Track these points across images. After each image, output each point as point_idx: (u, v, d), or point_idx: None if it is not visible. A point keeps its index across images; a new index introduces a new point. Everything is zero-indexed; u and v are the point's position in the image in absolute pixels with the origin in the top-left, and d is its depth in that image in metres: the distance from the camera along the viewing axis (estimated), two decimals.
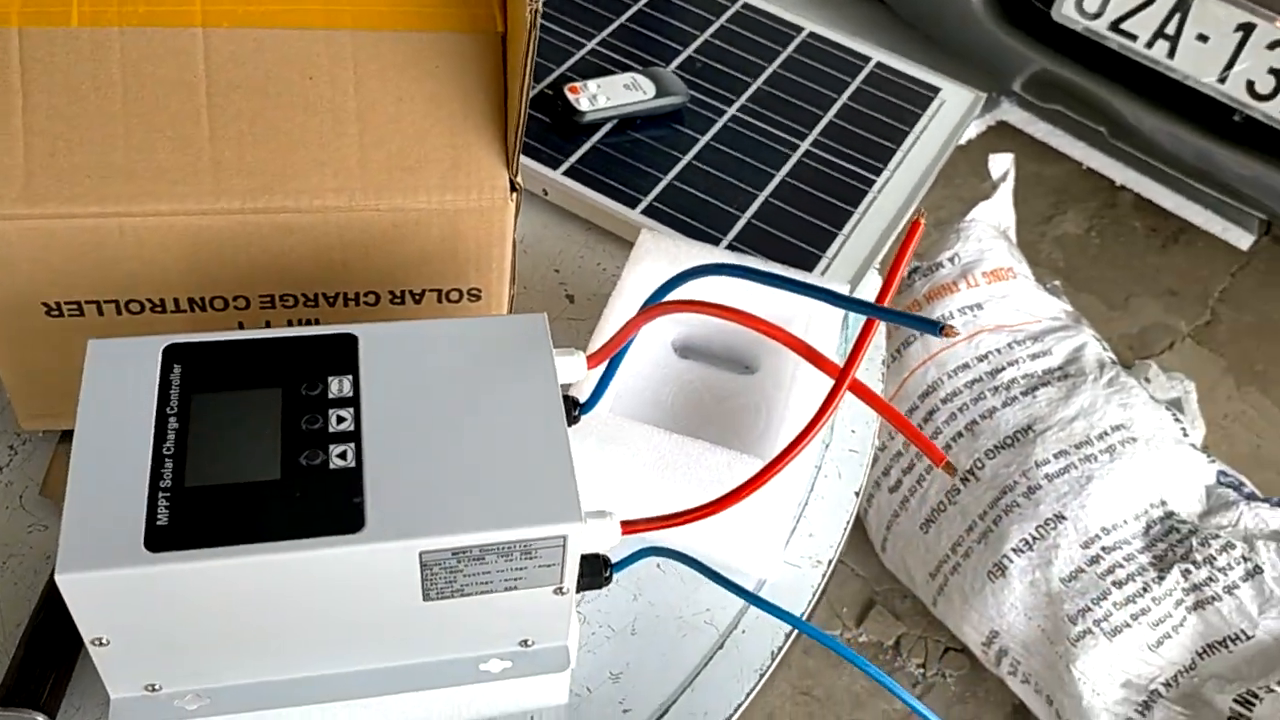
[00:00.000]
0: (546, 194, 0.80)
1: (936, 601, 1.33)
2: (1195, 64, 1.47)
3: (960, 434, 1.30)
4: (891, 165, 0.86)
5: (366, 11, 0.55)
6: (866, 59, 0.94)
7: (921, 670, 1.41)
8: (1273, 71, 1.44)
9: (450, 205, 0.56)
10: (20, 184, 0.51)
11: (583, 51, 0.89)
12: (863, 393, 0.47)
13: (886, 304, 0.45)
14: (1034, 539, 1.22)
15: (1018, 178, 1.53)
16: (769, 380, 0.70)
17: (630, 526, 0.48)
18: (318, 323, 0.60)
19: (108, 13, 0.53)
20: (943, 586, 1.30)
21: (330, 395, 0.47)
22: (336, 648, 0.48)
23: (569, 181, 0.79)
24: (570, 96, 0.82)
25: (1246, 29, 1.45)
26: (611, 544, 0.48)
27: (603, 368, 0.54)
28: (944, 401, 1.32)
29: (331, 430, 0.46)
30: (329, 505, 0.44)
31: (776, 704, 1.37)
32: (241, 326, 0.59)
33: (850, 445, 0.71)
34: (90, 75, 0.52)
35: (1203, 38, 1.45)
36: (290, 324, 0.60)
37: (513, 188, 0.56)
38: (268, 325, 0.60)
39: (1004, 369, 1.31)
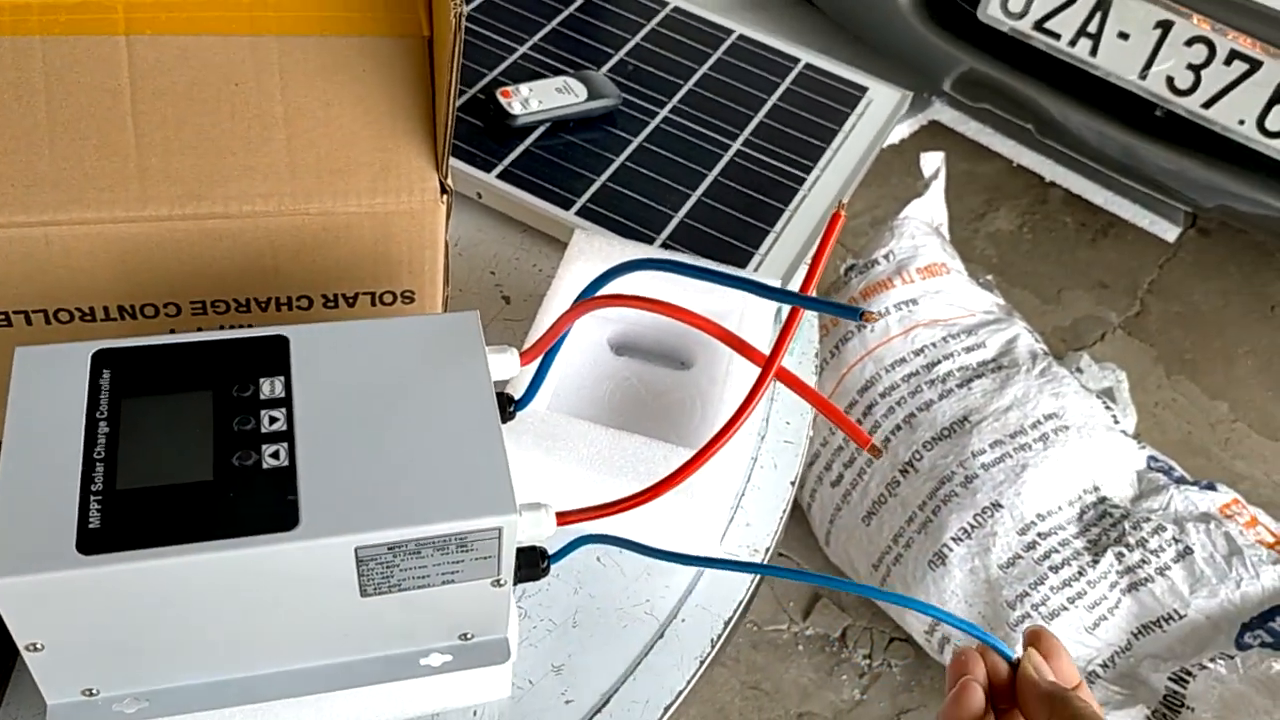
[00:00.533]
0: (480, 197, 0.80)
1: (883, 585, 1.35)
2: (1117, 61, 1.51)
3: (899, 427, 1.32)
4: (821, 164, 0.87)
5: (291, 17, 0.56)
6: (795, 60, 0.96)
7: (868, 661, 1.43)
8: (1191, 67, 1.49)
9: (381, 208, 0.56)
10: None
11: (514, 56, 0.90)
12: (790, 380, 0.48)
13: (810, 293, 0.46)
14: (972, 527, 1.24)
15: (950, 176, 1.56)
16: (704, 375, 0.71)
17: (565, 517, 0.49)
18: (250, 329, 0.60)
19: (28, 21, 0.53)
20: (885, 577, 1.32)
21: (262, 396, 0.47)
22: (276, 646, 0.48)
23: (502, 184, 0.79)
24: (502, 100, 0.83)
25: (1165, 26, 1.49)
26: (547, 535, 0.49)
27: (536, 364, 0.55)
28: (882, 396, 1.34)
29: (264, 431, 0.46)
30: (263, 504, 0.44)
31: (726, 699, 1.38)
32: (173, 334, 0.59)
33: (785, 436, 0.72)
34: (12, 84, 0.52)
35: (1123, 35, 1.49)
36: (222, 330, 0.60)
37: (443, 190, 0.57)
38: (199, 331, 0.60)
39: (940, 362, 1.34)
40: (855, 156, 0.89)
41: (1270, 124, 1.48)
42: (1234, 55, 1.45)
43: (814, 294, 0.47)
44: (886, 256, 1.41)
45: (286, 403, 0.47)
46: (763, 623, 1.45)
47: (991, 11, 1.56)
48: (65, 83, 0.53)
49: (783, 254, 0.79)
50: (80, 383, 0.47)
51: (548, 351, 0.54)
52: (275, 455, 0.46)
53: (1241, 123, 1.51)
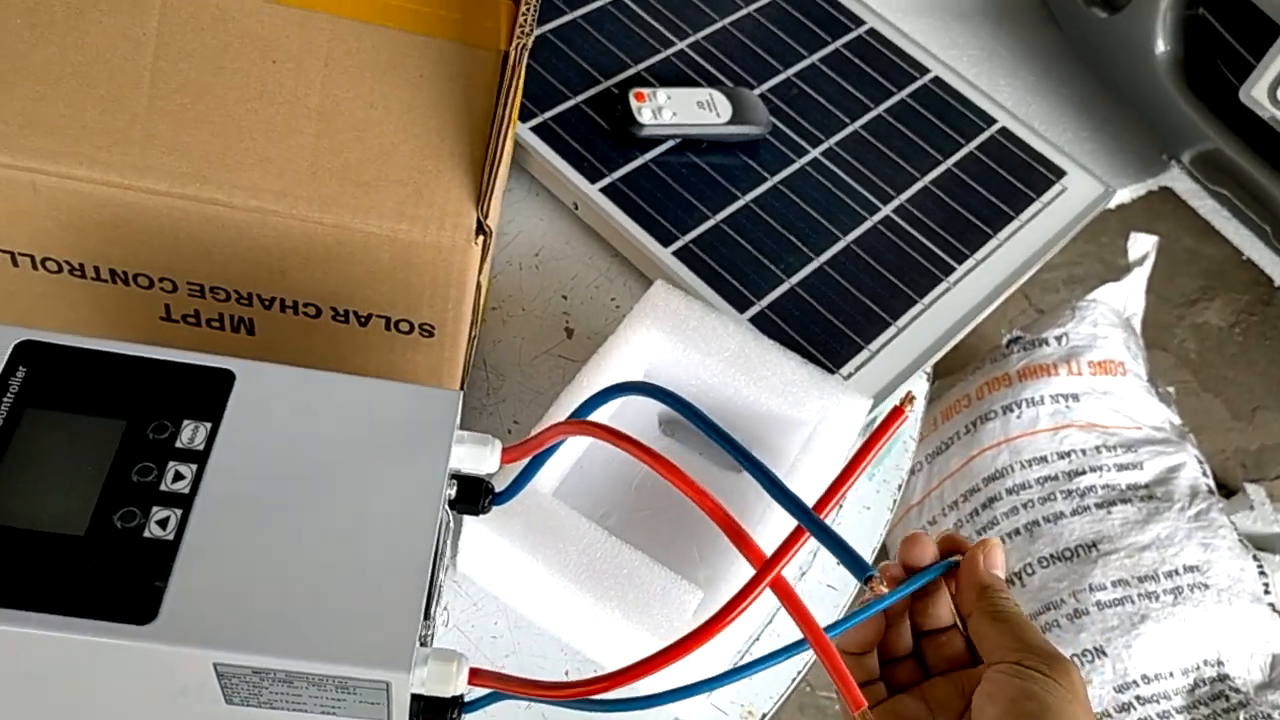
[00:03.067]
0: (577, 208, 0.71)
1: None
2: None
3: (1018, 531, 1.19)
4: (980, 254, 0.75)
5: None
6: (990, 121, 0.83)
7: None
8: None
9: (404, 235, 0.48)
10: None
11: (669, 51, 0.80)
12: (787, 596, 0.39)
13: (826, 515, 0.36)
14: None
15: (1169, 251, 1.38)
16: (751, 485, 0.61)
17: (483, 679, 0.41)
18: (252, 323, 0.54)
19: None
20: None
21: (178, 444, 0.41)
22: None
23: (604, 201, 0.70)
24: (634, 103, 0.73)
25: None
26: (455, 692, 0.41)
27: (524, 463, 0.47)
28: (1009, 492, 1.20)
29: (163, 488, 0.40)
30: (126, 583, 0.37)
31: None
32: (168, 310, 0.54)
33: (828, 580, 0.62)
34: (28, 9, 0.46)
35: None
36: (222, 317, 0.54)
37: (480, 229, 0.49)
38: (196, 314, 0.54)
39: (1084, 473, 1.19)
40: (1023, 254, 0.76)
41: None
42: None
43: (850, 445, 0.37)
44: (1060, 339, 1.26)
45: (202, 458, 0.40)
46: (817, 687, 1.35)
47: (1256, 94, 1.36)
48: (85, 20, 0.47)
49: (895, 358, 0.68)
50: None
51: (537, 455, 0.45)
52: (163, 523, 0.39)
53: None
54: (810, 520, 0.36)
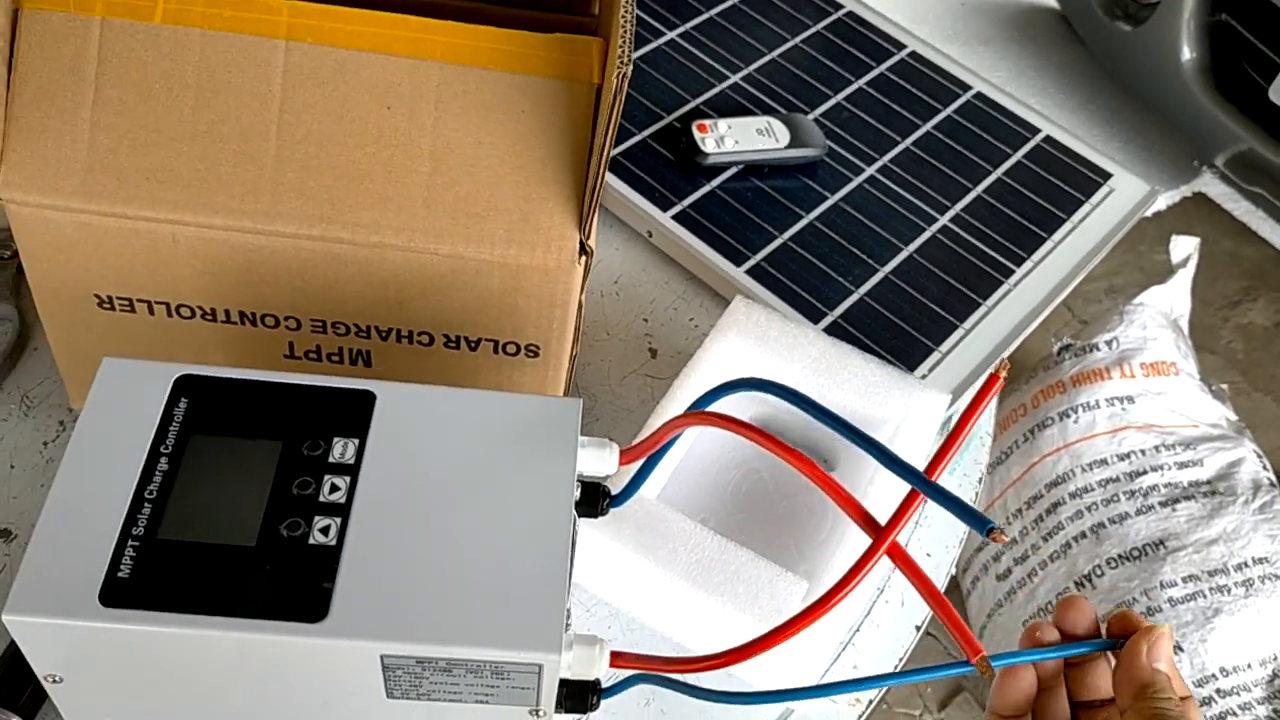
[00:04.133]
0: (651, 236, 0.75)
1: (993, 683, 1.24)
2: None
3: (1084, 534, 1.20)
4: (1037, 256, 0.78)
5: (458, 45, 0.52)
6: (1035, 131, 0.86)
7: None
8: None
9: (513, 260, 0.52)
10: (79, 178, 0.50)
11: (724, 84, 0.84)
12: (904, 562, 0.41)
13: (937, 476, 0.39)
14: None
15: (1209, 255, 1.40)
16: (843, 481, 0.64)
17: (624, 661, 0.44)
18: (369, 355, 0.58)
19: (192, 12, 0.51)
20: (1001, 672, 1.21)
21: (331, 459, 0.44)
22: None
23: (676, 227, 0.74)
24: (697, 134, 0.77)
25: None
26: (598, 674, 0.44)
27: (640, 463, 0.50)
28: (1072, 496, 1.22)
29: (322, 500, 0.43)
30: (296, 586, 0.41)
31: None
32: (292, 347, 0.57)
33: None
34: (165, 75, 0.51)
35: None
36: (341, 351, 0.58)
37: (582, 250, 0.52)
38: (318, 349, 0.57)
39: (1145, 473, 1.20)
40: (1078, 254, 0.78)
41: None
42: None
43: (932, 446, 0.40)
44: (1110, 343, 1.28)
45: (354, 470, 0.44)
46: (894, 704, 1.36)
47: None
48: (216, 81, 0.51)
49: (965, 357, 0.71)
50: (155, 407, 0.45)
51: (653, 453, 0.49)
52: (325, 531, 0.42)
53: None
54: (924, 483, 0.38)
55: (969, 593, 1.32)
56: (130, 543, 0.41)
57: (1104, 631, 0.45)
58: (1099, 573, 1.17)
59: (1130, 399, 1.24)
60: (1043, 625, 0.44)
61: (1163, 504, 1.19)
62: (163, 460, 0.43)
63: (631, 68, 0.46)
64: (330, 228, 0.51)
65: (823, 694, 0.54)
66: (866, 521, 0.42)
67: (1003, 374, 0.40)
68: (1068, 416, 1.25)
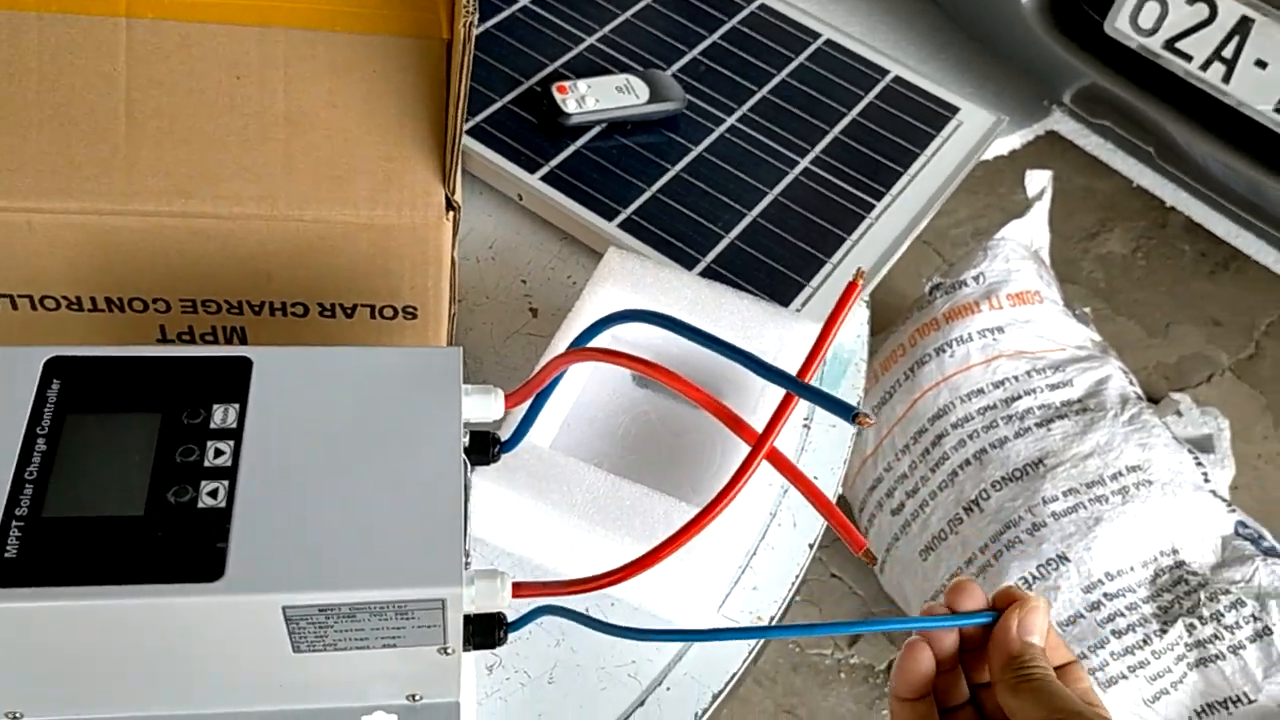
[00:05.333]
0: (521, 199, 0.76)
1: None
2: (1251, 91, 1.39)
3: (968, 462, 1.25)
4: (895, 190, 0.81)
5: (303, 9, 0.52)
6: (884, 72, 0.89)
7: None
8: None
9: (380, 220, 0.52)
10: None
11: (580, 47, 0.85)
12: (783, 465, 0.43)
13: (810, 378, 0.41)
14: (1034, 578, 1.17)
15: (1065, 191, 1.47)
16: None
17: (524, 590, 0.45)
18: (244, 331, 0.58)
19: None
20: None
21: (212, 425, 0.44)
22: (206, 690, 0.45)
23: (545, 187, 0.75)
24: (557, 96, 0.78)
25: None
26: (502, 606, 0.45)
27: (528, 405, 0.51)
28: (954, 426, 1.27)
29: (207, 465, 0.43)
30: (189, 549, 0.41)
31: None
32: (163, 330, 0.57)
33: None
34: (5, 61, 0.50)
35: (1261, 64, 1.37)
36: (215, 330, 0.57)
37: (449, 206, 0.53)
38: (190, 330, 0.57)
39: (1020, 398, 1.26)
40: (933, 185, 0.82)
41: None
42: None
43: (816, 380, 0.42)
44: (976, 278, 1.33)
45: (236, 434, 0.44)
46: (806, 645, 1.40)
47: (1120, 25, 1.45)
48: (59, 63, 0.50)
49: (836, 289, 0.73)
50: (28, 392, 0.44)
51: (539, 394, 0.50)
52: (213, 494, 0.42)
53: None
54: (795, 384, 0.40)
55: (866, 530, 1.36)
56: (14, 524, 0.40)
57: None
58: (985, 496, 1.22)
59: (1000, 329, 1.29)
60: (935, 607, 0.45)
61: (1039, 425, 1.24)
62: (40, 441, 0.43)
63: (477, 16, 0.47)
64: (190, 202, 0.51)
65: (722, 638, 0.56)
66: (743, 430, 0.43)
67: (861, 281, 0.42)
68: (943, 351, 1.29)
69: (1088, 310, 1.51)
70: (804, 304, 0.72)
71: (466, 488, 0.46)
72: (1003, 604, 0.44)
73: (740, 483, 0.42)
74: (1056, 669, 0.43)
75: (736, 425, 0.44)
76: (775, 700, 1.35)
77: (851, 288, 0.42)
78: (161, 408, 0.44)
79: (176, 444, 0.43)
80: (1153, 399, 1.48)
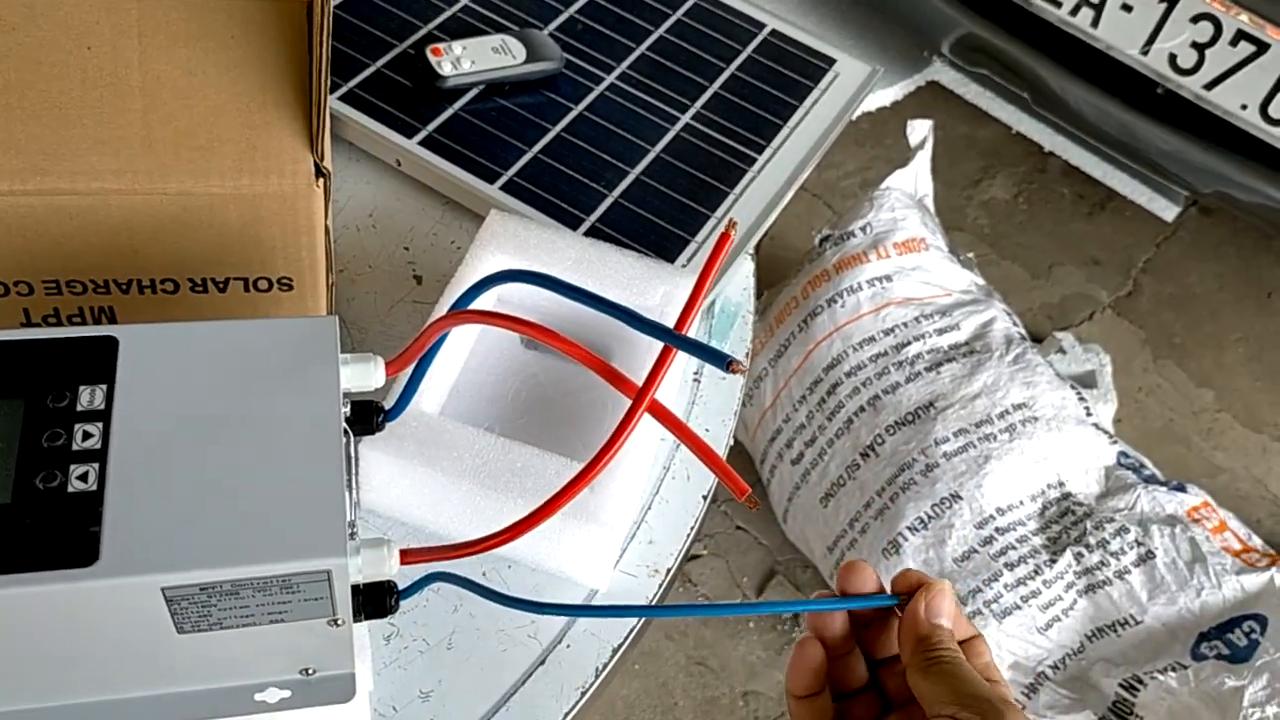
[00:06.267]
0: (400, 165, 0.75)
1: (834, 575, 1.32)
2: (1119, 35, 1.44)
3: (863, 408, 1.28)
4: (775, 143, 0.81)
5: None
6: (760, 26, 0.90)
7: None
8: (1195, 46, 1.41)
9: (247, 190, 0.51)
10: None
11: (455, 8, 0.84)
12: (664, 416, 0.44)
13: (687, 330, 0.41)
14: (929, 518, 1.20)
15: (947, 140, 1.50)
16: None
17: (411, 556, 0.45)
18: (112, 311, 0.56)
19: None
20: (839, 561, 1.29)
21: (79, 407, 0.43)
22: (90, 677, 0.44)
23: (424, 152, 0.74)
24: (432, 59, 0.77)
25: (1170, 1, 1.41)
26: (391, 574, 0.44)
27: (410, 371, 0.50)
28: (848, 375, 1.30)
29: (75, 448, 0.42)
30: (61, 534, 0.40)
31: (670, 674, 1.36)
32: (28, 314, 0.55)
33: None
34: None
35: (1127, 8, 1.41)
36: (82, 310, 0.55)
37: (319, 172, 0.52)
38: (56, 313, 0.55)
39: (910, 344, 1.29)
40: (813, 137, 0.83)
41: (1274, 111, 1.40)
42: (1241, 35, 1.37)
43: (692, 331, 0.42)
44: (864, 229, 1.35)
45: (105, 416, 0.43)
46: (715, 598, 1.42)
47: None
48: None
49: None
50: None
51: (422, 358, 0.49)
52: (83, 477, 0.41)
53: (1244, 107, 1.43)
54: (672, 336, 0.41)
55: (768, 481, 1.38)
56: None
57: (889, 590, 0.46)
58: (880, 441, 1.25)
59: (888, 278, 1.32)
60: (825, 592, 0.46)
61: (928, 369, 1.27)
62: None
63: None
64: (47, 179, 0.49)
65: (611, 615, 0.57)
66: (624, 384, 0.44)
67: (733, 233, 0.43)
68: (835, 302, 1.32)
69: (971, 255, 1.54)
70: (689, 259, 0.73)
71: (350, 459, 0.46)
72: (902, 588, 0.45)
73: (623, 436, 0.43)
74: (961, 643, 0.44)
75: (618, 380, 0.44)
76: (686, 653, 1.37)
77: (724, 239, 0.43)
78: (24, 393, 0.43)
79: (42, 429, 0.42)
80: (1038, 339, 1.53)
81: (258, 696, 0.46)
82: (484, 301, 0.49)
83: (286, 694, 0.47)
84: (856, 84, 0.88)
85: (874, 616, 0.46)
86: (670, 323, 0.63)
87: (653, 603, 0.60)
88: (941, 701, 0.41)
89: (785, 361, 1.34)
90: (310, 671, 0.47)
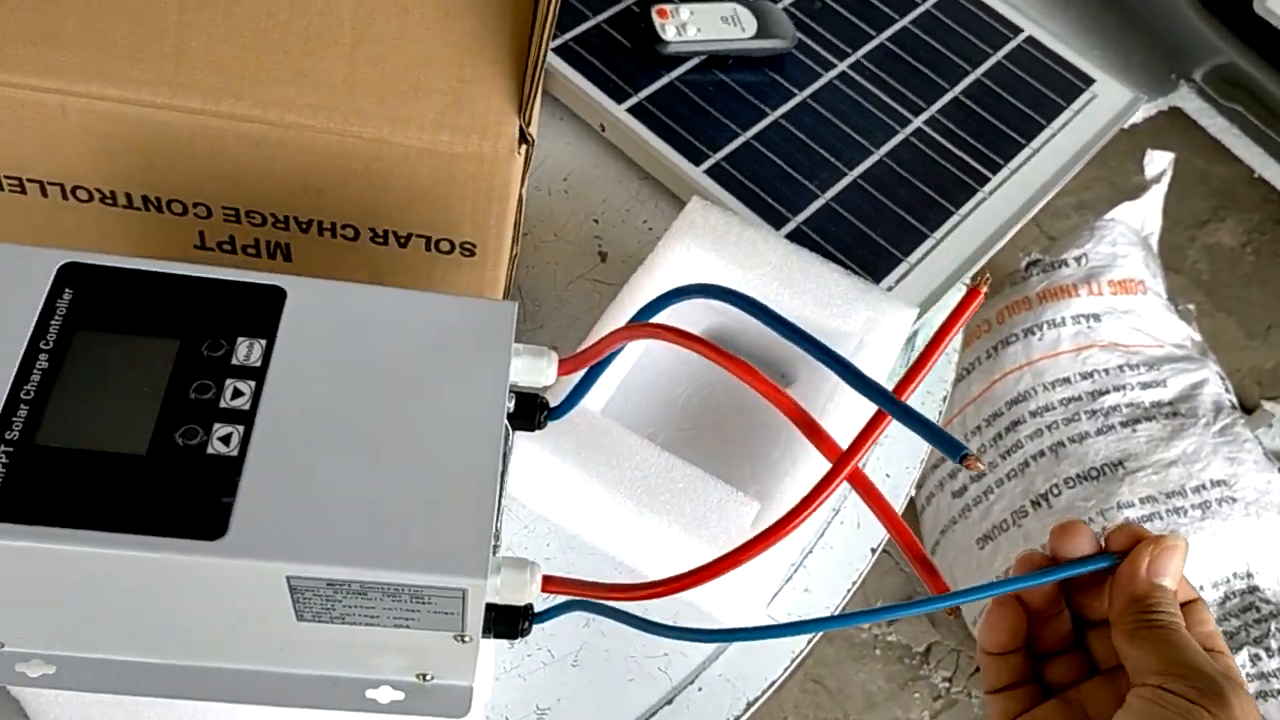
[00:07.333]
0: (604, 130, 0.70)
1: (979, 620, 1.24)
2: None
3: (1043, 453, 1.18)
4: (1014, 163, 0.73)
5: None
6: (1016, 30, 0.81)
7: (947, 684, 1.32)
8: None
9: (445, 147, 0.47)
10: None
11: None
12: (863, 487, 0.38)
13: (906, 397, 0.35)
14: None
15: (1179, 172, 1.37)
16: (801, 398, 0.60)
17: (556, 586, 0.40)
18: (288, 248, 0.53)
19: None
20: (984, 608, 1.20)
21: (234, 361, 0.40)
22: (202, 644, 0.41)
23: (631, 120, 0.69)
24: (656, 20, 0.71)
25: None
26: (528, 600, 0.40)
27: (580, 375, 0.46)
28: (1033, 414, 1.20)
29: (223, 405, 0.39)
30: (192, 500, 0.36)
31: (784, 687, 1.30)
32: (203, 237, 0.52)
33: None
34: None
35: None
36: (258, 243, 0.53)
37: (523, 138, 0.47)
38: (231, 240, 0.52)
39: (1108, 393, 1.18)
40: (1057, 163, 0.74)
41: None
42: None
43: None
44: (1079, 259, 1.24)
45: (259, 374, 0.39)
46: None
47: (1271, 5, 1.34)
48: None
49: (935, 269, 0.67)
50: (35, 299, 0.40)
51: (595, 365, 0.44)
52: (225, 440, 0.38)
53: None
54: (892, 403, 0.35)
55: (923, 509, 1.30)
56: (2, 448, 0.36)
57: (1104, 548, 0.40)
58: (1056, 492, 1.16)
59: (1096, 317, 1.21)
60: (1034, 554, 0.40)
61: (1124, 424, 1.17)
62: (42, 358, 0.38)
63: None
64: (239, 104, 0.46)
65: (770, 635, 0.51)
66: (824, 443, 0.38)
67: (984, 289, 0.36)
68: (1032, 334, 1.22)
69: (1191, 307, 1.41)
70: (898, 281, 0.66)
71: (505, 456, 0.42)
72: (1121, 545, 0.39)
73: (816, 502, 0.37)
74: (1180, 606, 0.38)
75: (816, 435, 0.39)
76: (805, 669, 1.32)
77: (972, 295, 0.36)
78: (180, 334, 0.40)
79: (192, 378, 0.39)
80: (1243, 405, 1.39)
81: (369, 693, 0.43)
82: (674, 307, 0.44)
83: (399, 696, 0.43)
84: (1115, 110, 0.79)
85: (1094, 580, 0.40)
86: (869, 355, 0.57)
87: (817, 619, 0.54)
88: (1150, 670, 0.35)
89: (965, 386, 1.25)
90: (427, 677, 0.43)
